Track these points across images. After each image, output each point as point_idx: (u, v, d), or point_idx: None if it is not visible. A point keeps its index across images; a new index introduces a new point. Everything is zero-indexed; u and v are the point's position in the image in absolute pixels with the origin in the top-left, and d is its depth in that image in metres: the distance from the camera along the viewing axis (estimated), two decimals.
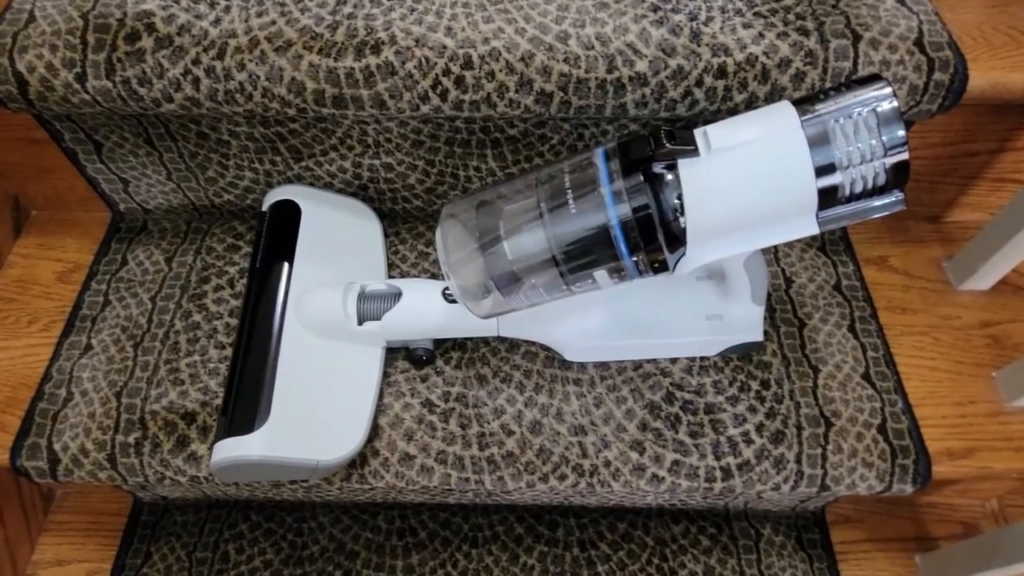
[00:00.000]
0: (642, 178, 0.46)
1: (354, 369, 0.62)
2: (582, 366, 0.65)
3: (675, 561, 0.81)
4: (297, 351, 0.59)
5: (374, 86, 0.56)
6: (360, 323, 0.61)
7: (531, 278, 0.50)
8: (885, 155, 0.43)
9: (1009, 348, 0.68)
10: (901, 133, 0.43)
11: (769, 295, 0.69)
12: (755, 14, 0.58)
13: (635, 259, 0.48)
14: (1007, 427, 0.64)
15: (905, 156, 0.43)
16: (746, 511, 0.84)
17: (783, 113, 0.44)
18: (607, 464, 0.60)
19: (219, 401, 0.62)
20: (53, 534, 0.84)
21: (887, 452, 0.61)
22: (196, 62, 0.56)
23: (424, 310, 0.61)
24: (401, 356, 0.65)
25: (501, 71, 0.55)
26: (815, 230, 0.46)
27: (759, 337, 0.62)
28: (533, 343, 0.66)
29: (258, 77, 0.56)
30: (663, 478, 0.60)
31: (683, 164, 0.45)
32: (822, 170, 0.43)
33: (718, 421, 0.62)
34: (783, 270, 0.72)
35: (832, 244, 0.74)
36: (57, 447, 0.61)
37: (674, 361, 0.65)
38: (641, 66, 0.55)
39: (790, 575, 0.80)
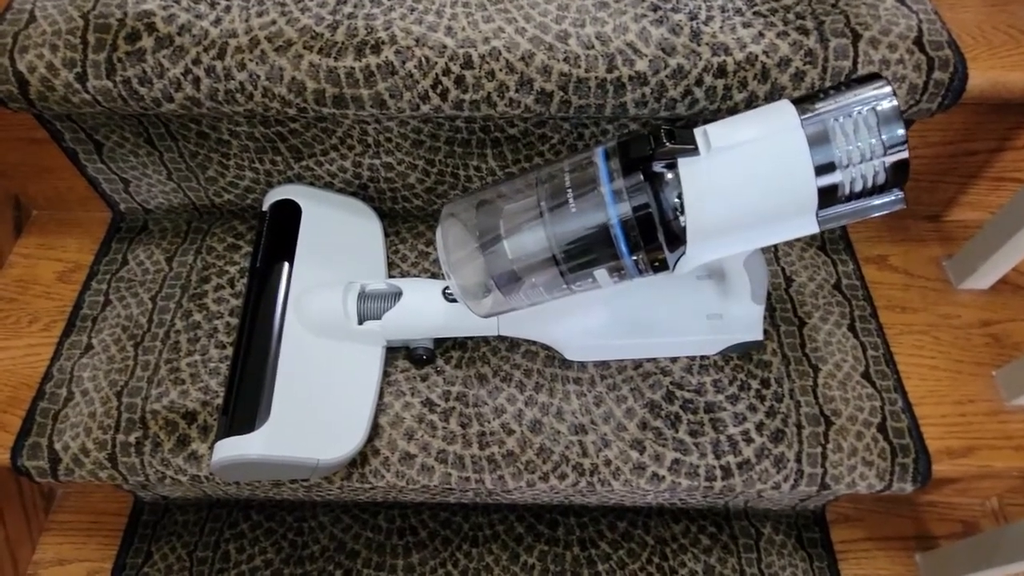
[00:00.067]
0: (642, 177, 0.46)
1: (354, 368, 0.62)
2: (582, 365, 0.65)
3: (675, 560, 0.81)
4: (297, 350, 0.60)
5: (374, 86, 0.56)
6: (360, 322, 0.61)
7: (531, 277, 0.51)
8: (885, 154, 0.43)
9: (1009, 347, 0.68)
10: (901, 132, 0.43)
11: (769, 294, 0.69)
12: (755, 13, 0.58)
13: (635, 258, 0.48)
14: (1007, 426, 0.64)
15: (905, 155, 0.43)
16: (746, 510, 0.84)
17: (783, 112, 0.45)
18: (607, 463, 0.60)
19: (220, 400, 0.62)
20: (54, 533, 0.84)
21: (887, 451, 0.61)
22: (196, 62, 0.56)
23: (424, 309, 0.61)
24: (401, 355, 0.65)
25: (501, 70, 0.56)
26: (815, 229, 0.46)
27: (759, 336, 0.62)
28: (533, 342, 0.66)
29: (258, 77, 0.56)
30: (663, 477, 0.60)
31: (683, 163, 0.45)
32: (822, 169, 0.43)
33: (718, 420, 0.62)
34: (783, 269, 0.72)
35: (832, 243, 0.74)
36: (58, 446, 0.61)
37: (674, 360, 0.65)
38: (641, 65, 0.56)
39: (790, 574, 0.80)
